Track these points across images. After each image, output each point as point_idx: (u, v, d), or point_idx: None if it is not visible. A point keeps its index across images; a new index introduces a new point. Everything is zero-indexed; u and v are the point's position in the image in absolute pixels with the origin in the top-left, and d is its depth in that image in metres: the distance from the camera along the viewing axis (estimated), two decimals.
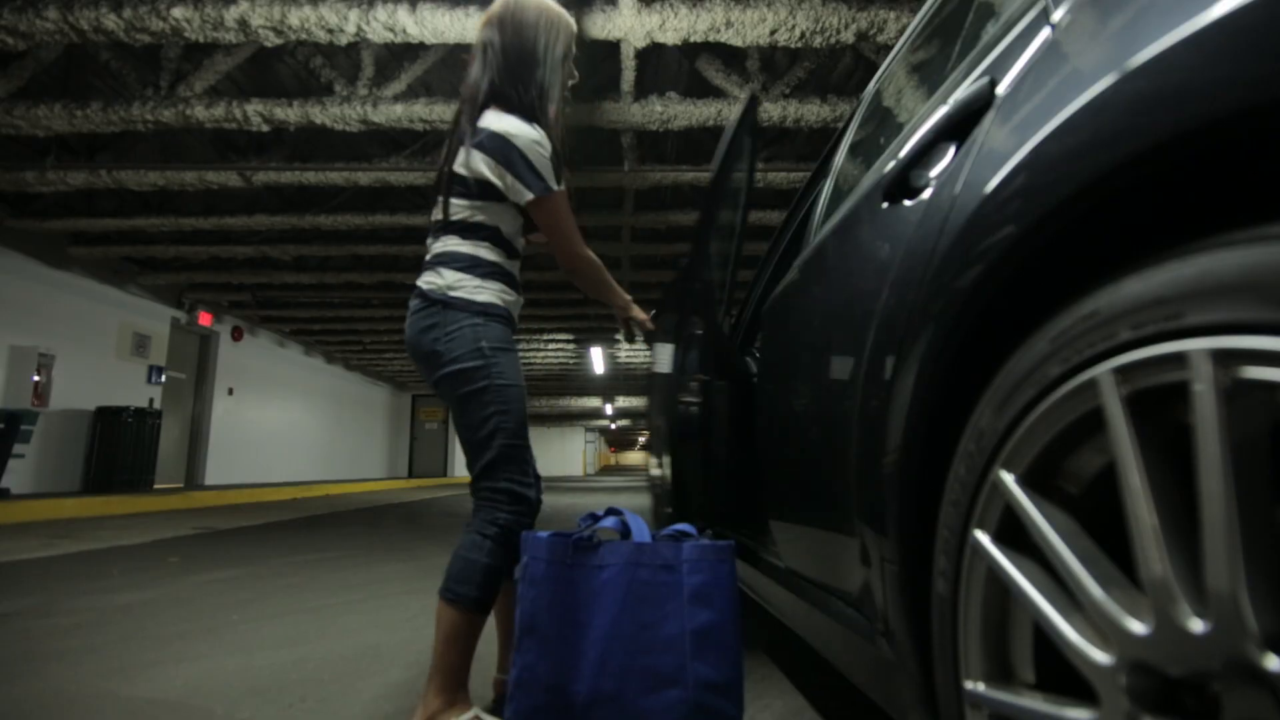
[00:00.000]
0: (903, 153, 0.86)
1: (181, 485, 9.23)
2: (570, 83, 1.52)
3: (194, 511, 6.78)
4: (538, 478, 1.42)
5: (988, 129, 0.66)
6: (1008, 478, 0.55)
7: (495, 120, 1.35)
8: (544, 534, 1.19)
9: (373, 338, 11.84)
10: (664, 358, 1.66)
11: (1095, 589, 0.46)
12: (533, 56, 1.41)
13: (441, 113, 4.34)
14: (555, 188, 1.37)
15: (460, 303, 1.34)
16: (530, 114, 1.38)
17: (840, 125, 1.57)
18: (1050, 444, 0.53)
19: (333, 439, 14.05)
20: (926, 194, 0.77)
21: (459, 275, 1.35)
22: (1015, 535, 0.55)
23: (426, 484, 15.53)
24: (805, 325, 1.25)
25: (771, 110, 4.35)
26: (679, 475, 1.69)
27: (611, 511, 1.29)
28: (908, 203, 0.82)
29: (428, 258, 1.41)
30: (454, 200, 1.37)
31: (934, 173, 0.77)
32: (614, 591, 1.15)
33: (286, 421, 12.22)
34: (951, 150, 0.74)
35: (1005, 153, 0.60)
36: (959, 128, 0.73)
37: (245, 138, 5.36)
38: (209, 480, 9.79)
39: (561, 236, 1.43)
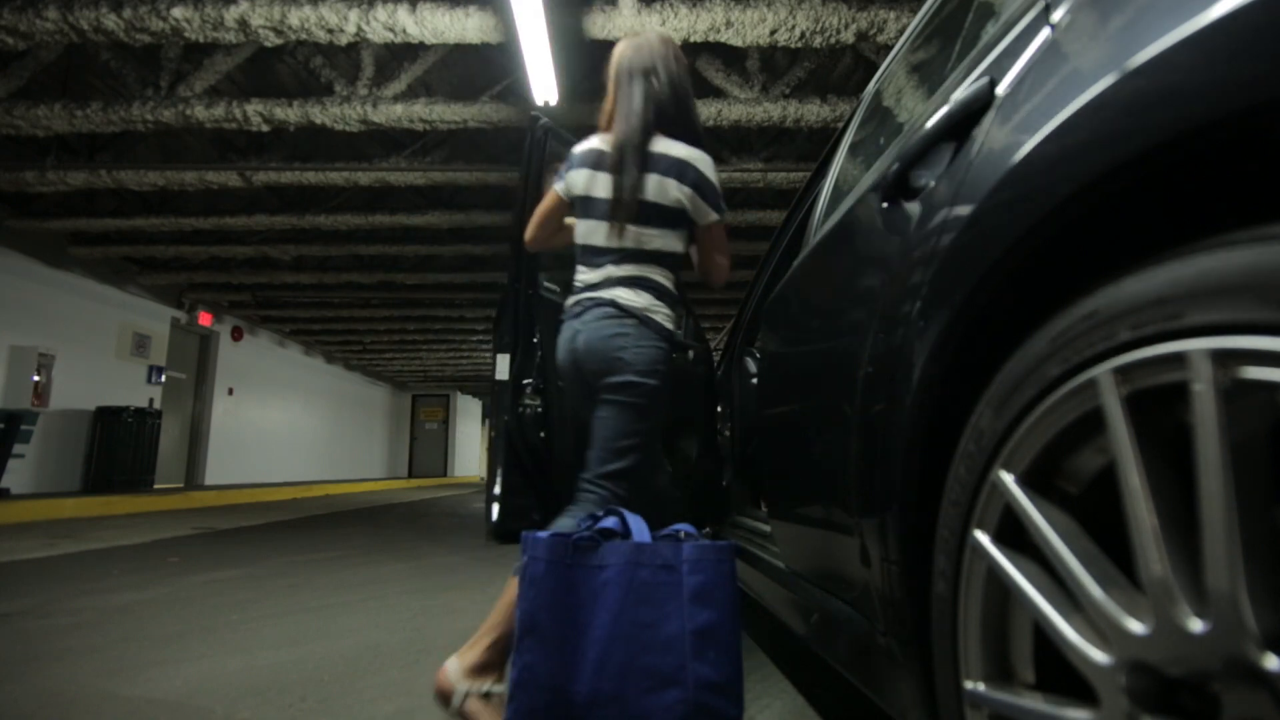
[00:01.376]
0: (903, 153, 0.86)
1: (181, 485, 9.23)
2: None
3: (194, 511, 6.78)
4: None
5: (988, 129, 0.66)
6: (1007, 478, 0.55)
7: (677, 148, 1.47)
8: (544, 534, 1.19)
9: (373, 338, 11.84)
10: (501, 367, 1.74)
11: (1095, 589, 0.46)
12: (690, 94, 1.55)
13: (441, 113, 4.34)
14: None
15: (656, 325, 1.45)
16: (698, 143, 1.50)
17: (840, 125, 1.58)
18: (1050, 444, 0.52)
19: (332, 439, 14.05)
20: (926, 194, 0.77)
21: (654, 300, 1.46)
22: (1015, 535, 0.55)
23: (427, 484, 15.53)
24: (805, 325, 1.25)
25: (771, 110, 4.35)
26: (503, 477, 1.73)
27: (611, 511, 1.29)
28: (907, 203, 0.82)
29: (620, 275, 1.47)
30: (646, 230, 1.46)
31: (934, 173, 0.76)
32: (614, 591, 1.14)
33: (286, 421, 12.22)
34: (951, 150, 0.74)
35: (1005, 153, 0.60)
36: (959, 128, 0.72)
37: (245, 138, 5.36)
38: (209, 480, 9.79)
39: (728, 255, 1.56)
